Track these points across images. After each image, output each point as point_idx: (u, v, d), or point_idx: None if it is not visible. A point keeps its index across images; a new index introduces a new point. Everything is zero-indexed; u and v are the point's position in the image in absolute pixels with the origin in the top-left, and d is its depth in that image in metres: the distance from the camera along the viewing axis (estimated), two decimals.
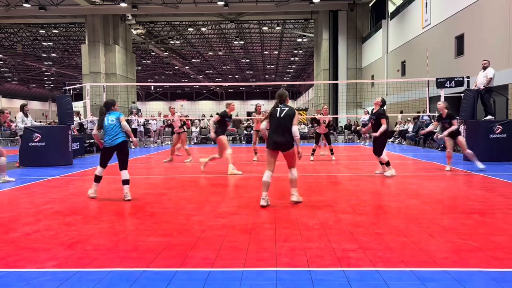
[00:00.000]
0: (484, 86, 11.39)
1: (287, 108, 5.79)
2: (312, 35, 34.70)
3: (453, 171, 9.24)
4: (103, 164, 6.44)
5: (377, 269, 3.28)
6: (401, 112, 20.78)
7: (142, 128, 20.67)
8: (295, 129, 5.67)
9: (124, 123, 6.39)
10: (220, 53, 47.72)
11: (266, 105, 70.86)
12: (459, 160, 11.52)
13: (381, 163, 8.75)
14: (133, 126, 19.57)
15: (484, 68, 11.41)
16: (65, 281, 3.11)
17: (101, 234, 4.42)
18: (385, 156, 8.57)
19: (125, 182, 6.28)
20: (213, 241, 4.10)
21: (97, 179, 6.43)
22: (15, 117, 12.39)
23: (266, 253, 3.71)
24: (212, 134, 9.53)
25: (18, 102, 64.36)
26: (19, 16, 29.32)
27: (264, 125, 5.91)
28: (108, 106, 6.51)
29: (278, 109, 5.77)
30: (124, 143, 6.33)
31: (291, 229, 4.52)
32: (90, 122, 18.78)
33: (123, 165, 6.35)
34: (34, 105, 72.51)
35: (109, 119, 6.37)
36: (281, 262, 3.46)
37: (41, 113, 69.07)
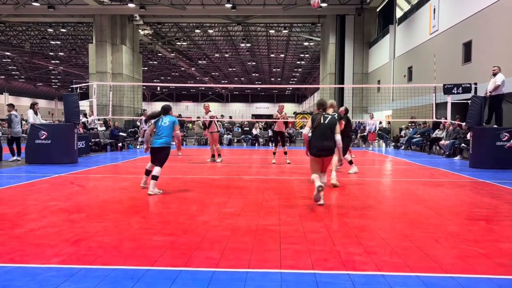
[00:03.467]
0: (490, 92, 11.33)
1: (329, 116, 6.11)
2: (319, 39, 34.70)
3: (459, 178, 9.19)
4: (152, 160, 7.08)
5: (382, 273, 3.26)
6: (412, 117, 20.71)
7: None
8: (338, 138, 6.04)
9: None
10: (227, 55, 47.82)
11: (272, 108, 70.95)
12: (465, 167, 11.47)
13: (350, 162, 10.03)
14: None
15: (494, 75, 11.34)
16: (70, 277, 3.12)
17: (106, 232, 4.42)
18: (348, 156, 9.92)
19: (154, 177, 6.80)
20: (217, 241, 4.09)
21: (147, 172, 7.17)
22: (22, 114, 12.55)
23: (270, 254, 3.70)
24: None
25: (24, 100, 64.80)
26: (27, 14, 29.51)
27: (306, 130, 6.17)
28: (166, 111, 7.16)
29: (322, 116, 6.05)
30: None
31: (295, 231, 4.51)
32: (97, 120, 18.91)
33: (159, 163, 6.91)
34: (40, 103, 72.63)
35: (163, 121, 7.01)
36: (285, 264, 3.45)
37: (48, 111, 69.47)
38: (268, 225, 4.75)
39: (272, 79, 68.51)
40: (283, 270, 3.31)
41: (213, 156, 12.83)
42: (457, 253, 3.81)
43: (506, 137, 10.93)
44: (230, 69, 59.60)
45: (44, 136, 11.53)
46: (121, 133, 18.82)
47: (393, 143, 21.70)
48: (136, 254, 3.69)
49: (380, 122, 24.55)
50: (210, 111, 12.91)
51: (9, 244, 3.95)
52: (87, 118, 17.57)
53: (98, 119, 19.25)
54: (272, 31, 36.45)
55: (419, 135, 19.08)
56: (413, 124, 20.57)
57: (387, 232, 4.53)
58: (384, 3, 28.29)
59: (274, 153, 12.67)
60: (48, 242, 4.00)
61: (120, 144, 18.16)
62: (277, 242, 4.07)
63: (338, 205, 6.02)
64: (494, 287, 3.05)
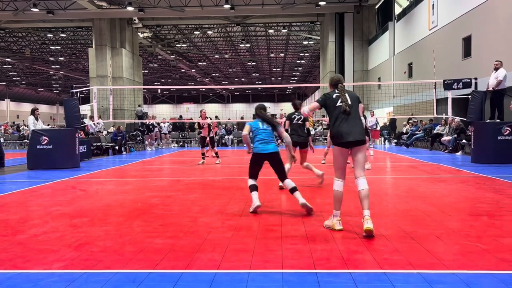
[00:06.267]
0: (493, 88, 11.29)
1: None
2: (318, 38, 34.69)
3: (461, 173, 9.17)
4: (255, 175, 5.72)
5: (384, 271, 3.26)
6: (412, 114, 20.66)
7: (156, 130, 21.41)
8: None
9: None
10: (226, 56, 47.84)
11: (273, 107, 70.93)
12: (467, 162, 11.44)
13: None
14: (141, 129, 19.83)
15: (496, 69, 11.29)
16: (71, 282, 3.12)
17: (108, 236, 4.43)
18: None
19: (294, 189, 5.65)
20: (219, 243, 4.09)
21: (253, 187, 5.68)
22: (23, 120, 12.55)
23: (272, 255, 3.70)
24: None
25: (26, 106, 65.04)
26: (27, 20, 29.63)
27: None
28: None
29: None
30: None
31: (297, 231, 4.50)
32: (97, 124, 18.95)
33: (281, 175, 5.75)
34: (42, 108, 72.99)
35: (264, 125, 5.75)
36: (287, 264, 3.44)
37: (49, 116, 69.68)
38: (269, 226, 4.75)
39: (273, 78, 68.49)
40: (284, 270, 3.31)
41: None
42: (459, 249, 3.80)
43: (507, 131, 10.90)
44: (231, 70, 59.61)
45: (46, 141, 11.55)
46: (118, 137, 18.80)
47: (395, 140, 21.66)
48: (138, 257, 3.69)
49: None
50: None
51: (12, 250, 3.96)
52: (97, 121, 17.63)
53: (98, 123, 19.30)
54: (271, 31, 36.45)
55: (421, 131, 19.06)
56: (415, 121, 20.53)
57: (389, 229, 4.53)
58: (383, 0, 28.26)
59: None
60: (50, 248, 4.01)
61: (116, 147, 18.09)
62: (278, 243, 4.07)
63: None
64: (497, 283, 3.04)
